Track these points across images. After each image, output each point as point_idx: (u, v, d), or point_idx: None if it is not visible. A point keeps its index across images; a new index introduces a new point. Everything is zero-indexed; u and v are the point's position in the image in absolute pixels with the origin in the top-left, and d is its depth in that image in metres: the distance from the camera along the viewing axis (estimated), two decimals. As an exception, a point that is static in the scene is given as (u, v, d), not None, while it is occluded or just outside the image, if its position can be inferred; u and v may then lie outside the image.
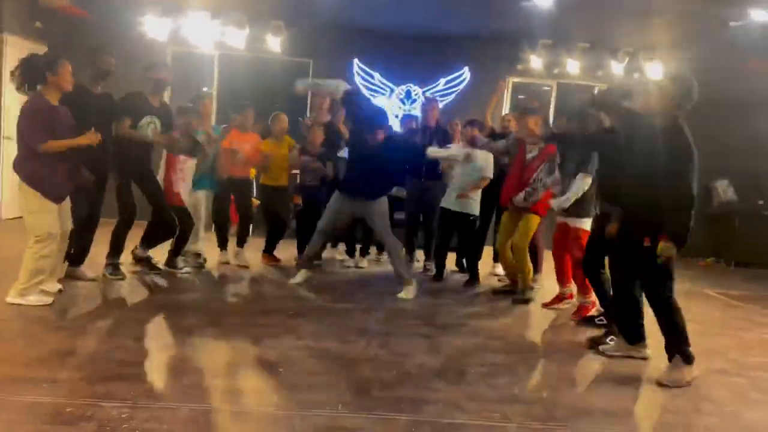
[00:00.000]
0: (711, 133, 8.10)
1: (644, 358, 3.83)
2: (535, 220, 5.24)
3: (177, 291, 4.86)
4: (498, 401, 3.03)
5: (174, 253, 5.42)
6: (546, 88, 9.32)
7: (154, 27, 8.19)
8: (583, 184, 4.60)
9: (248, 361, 3.38)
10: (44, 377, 2.85)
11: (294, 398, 2.87)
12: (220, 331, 3.84)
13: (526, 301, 5.27)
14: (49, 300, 4.05)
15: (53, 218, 4.05)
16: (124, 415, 2.53)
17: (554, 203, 4.75)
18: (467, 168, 5.66)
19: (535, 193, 5.10)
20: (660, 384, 3.44)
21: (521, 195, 5.16)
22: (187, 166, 5.42)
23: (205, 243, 5.82)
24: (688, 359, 3.48)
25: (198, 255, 5.75)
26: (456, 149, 5.60)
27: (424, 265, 6.48)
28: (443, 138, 6.24)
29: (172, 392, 2.87)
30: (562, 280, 5.13)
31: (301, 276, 5.37)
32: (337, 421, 2.65)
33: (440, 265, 6.11)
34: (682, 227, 3.32)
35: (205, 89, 8.81)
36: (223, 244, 6.09)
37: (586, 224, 4.63)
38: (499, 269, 6.49)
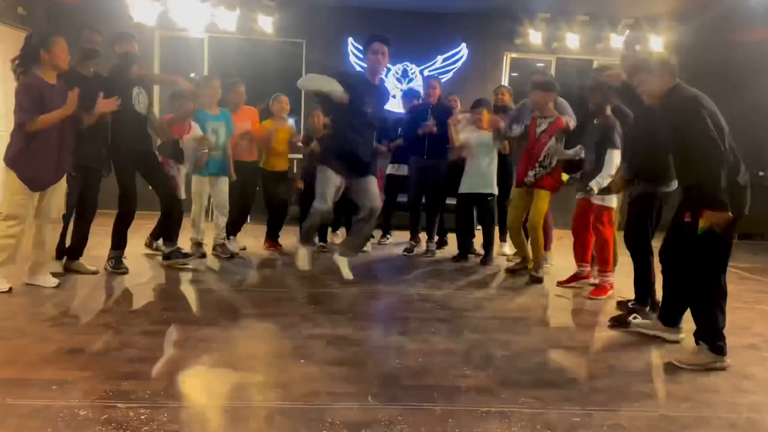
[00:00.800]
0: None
1: (676, 342, 3.65)
2: (546, 197, 5.09)
3: (183, 282, 4.68)
4: (531, 386, 2.89)
5: (158, 236, 5.34)
6: (540, 65, 9.13)
7: (141, 10, 7.91)
8: (615, 160, 4.44)
9: (267, 352, 3.22)
10: (52, 378, 2.68)
11: (320, 390, 2.71)
12: (233, 322, 3.68)
13: (540, 280, 5.14)
14: (4, 287, 3.94)
15: (27, 203, 3.96)
16: (143, 416, 2.37)
17: (594, 184, 4.53)
18: (478, 150, 5.64)
19: (542, 171, 4.97)
20: (675, 363, 3.29)
21: (531, 174, 5.04)
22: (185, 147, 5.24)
23: (204, 232, 5.63)
24: (719, 351, 3.28)
25: (199, 244, 5.57)
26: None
27: (427, 246, 6.31)
28: (446, 116, 6.05)
29: (191, 390, 2.71)
30: (581, 258, 4.99)
31: (305, 257, 4.75)
32: (369, 413, 2.50)
33: (464, 246, 6.04)
34: (710, 185, 3.11)
35: (200, 75, 8.58)
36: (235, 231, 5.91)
37: (610, 201, 4.49)
38: (506, 248, 6.38)
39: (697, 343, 3.39)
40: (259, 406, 2.56)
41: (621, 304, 4.41)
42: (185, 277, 4.84)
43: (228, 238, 5.74)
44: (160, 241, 5.41)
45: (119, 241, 4.84)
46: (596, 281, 4.85)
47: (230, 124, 5.58)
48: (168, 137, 5.17)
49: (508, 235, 6.36)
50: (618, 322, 4.01)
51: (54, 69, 3.97)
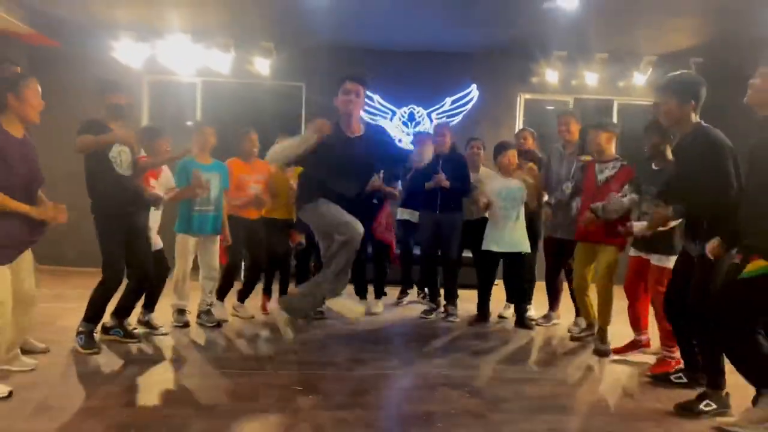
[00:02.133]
0: (741, 140, 7.42)
1: None
2: (613, 253, 4.40)
3: (154, 365, 3.91)
4: None
5: (146, 307, 4.59)
6: (549, 107, 8.53)
7: (128, 53, 7.39)
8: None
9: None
10: None
11: None
12: (212, 424, 2.89)
13: (606, 353, 4.40)
14: (4, 392, 3.13)
15: (2, 281, 3.14)
16: None
17: (637, 226, 3.90)
18: (502, 202, 5.10)
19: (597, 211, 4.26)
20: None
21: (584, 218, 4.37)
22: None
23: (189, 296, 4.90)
24: None
25: (182, 311, 4.84)
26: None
27: (446, 310, 5.55)
28: (458, 166, 5.40)
29: None
30: (637, 325, 4.27)
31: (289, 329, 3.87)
32: None
33: (484, 307, 5.39)
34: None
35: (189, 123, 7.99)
36: (222, 296, 5.19)
37: (669, 261, 3.78)
38: (533, 311, 5.63)
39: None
40: None
41: (658, 378, 3.80)
42: (158, 357, 4.07)
43: (215, 302, 5.05)
44: (153, 315, 4.68)
45: (94, 314, 4.07)
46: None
47: (225, 177, 4.96)
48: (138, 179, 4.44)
49: (533, 295, 5.70)
50: (686, 410, 3.26)
51: (21, 120, 3.27)
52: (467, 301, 5.53)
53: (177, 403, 3.20)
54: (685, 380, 3.63)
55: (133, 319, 4.51)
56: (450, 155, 5.48)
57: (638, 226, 3.90)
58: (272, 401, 3.24)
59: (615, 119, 7.98)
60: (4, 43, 7.14)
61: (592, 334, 4.74)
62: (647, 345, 4.30)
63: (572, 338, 4.88)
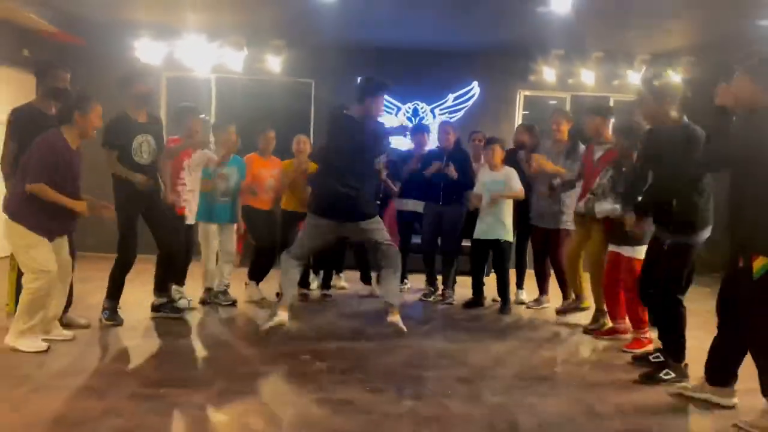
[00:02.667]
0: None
1: (730, 407, 3.23)
2: (601, 232, 4.70)
3: (179, 336, 4.37)
4: (564, 463, 2.54)
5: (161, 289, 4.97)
6: (551, 102, 8.91)
7: (148, 51, 7.83)
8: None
9: (267, 423, 2.88)
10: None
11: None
12: (231, 384, 3.34)
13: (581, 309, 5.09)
14: (43, 346, 3.69)
15: (48, 251, 3.69)
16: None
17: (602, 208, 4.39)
18: (487, 193, 5.45)
19: (594, 200, 4.57)
20: (740, 427, 2.95)
21: (581, 204, 4.75)
22: (192, 177, 5.04)
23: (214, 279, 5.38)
24: None
25: (210, 290, 5.34)
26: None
27: (444, 294, 5.98)
28: (462, 161, 5.80)
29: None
30: (615, 315, 4.65)
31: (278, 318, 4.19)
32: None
33: (478, 292, 5.77)
34: None
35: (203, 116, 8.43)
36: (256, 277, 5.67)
37: (640, 253, 4.16)
38: (524, 296, 6.05)
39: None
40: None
41: (638, 359, 4.11)
42: (181, 330, 4.53)
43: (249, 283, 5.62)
44: (182, 302, 5.08)
45: (115, 290, 4.55)
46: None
47: (242, 170, 5.40)
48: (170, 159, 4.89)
49: (524, 281, 6.13)
50: (648, 378, 3.68)
51: (80, 134, 3.80)
52: (466, 287, 5.92)
53: (201, 367, 3.65)
54: (662, 359, 3.88)
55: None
56: (454, 151, 5.89)
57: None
58: (283, 367, 3.70)
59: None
60: (33, 41, 7.61)
61: (577, 307, 5.16)
62: (625, 332, 4.61)
63: (557, 311, 5.36)
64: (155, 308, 4.81)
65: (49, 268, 3.67)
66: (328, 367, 3.72)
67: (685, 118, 3.77)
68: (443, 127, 6.11)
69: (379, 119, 4.65)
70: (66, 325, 4.24)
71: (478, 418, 2.99)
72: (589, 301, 5.09)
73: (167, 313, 4.76)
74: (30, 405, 2.91)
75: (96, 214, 4.00)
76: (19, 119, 4.16)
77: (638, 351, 4.21)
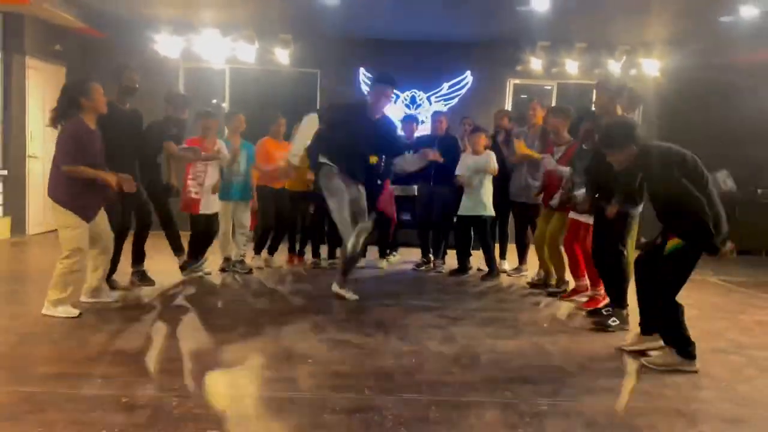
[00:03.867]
0: (709, 123, 8.43)
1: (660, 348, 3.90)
2: (564, 219, 5.38)
3: (205, 295, 5.17)
4: (509, 382, 3.31)
5: (187, 256, 5.74)
6: (547, 87, 9.60)
7: (166, 45, 8.55)
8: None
9: (280, 354, 3.66)
10: (97, 373, 3.16)
11: (324, 384, 3.16)
12: (253, 329, 4.14)
13: (555, 294, 5.57)
14: (76, 312, 4.23)
15: (83, 234, 4.26)
16: (174, 402, 2.83)
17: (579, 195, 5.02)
18: (472, 174, 6.18)
19: (568, 194, 5.16)
20: (644, 366, 3.67)
21: (556, 198, 5.36)
22: (203, 171, 5.71)
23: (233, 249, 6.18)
24: (688, 355, 3.62)
25: (228, 260, 6.13)
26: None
27: (434, 263, 6.77)
28: (452, 147, 6.51)
29: (214, 383, 3.17)
30: (576, 274, 5.38)
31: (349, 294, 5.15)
32: (365, 402, 2.94)
33: (463, 262, 6.52)
34: (703, 235, 3.51)
35: (218, 103, 9.18)
36: (259, 250, 6.46)
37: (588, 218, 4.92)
38: (506, 265, 6.80)
39: (666, 343, 3.77)
40: (271, 396, 3.01)
41: (592, 312, 4.84)
42: (206, 291, 5.33)
43: (254, 255, 6.38)
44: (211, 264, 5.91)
45: (136, 257, 5.30)
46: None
47: (252, 154, 6.13)
48: (189, 159, 5.61)
49: (507, 252, 6.89)
50: (599, 325, 4.48)
51: (94, 114, 4.31)
52: (454, 258, 6.68)
53: (225, 318, 4.44)
54: (611, 312, 4.63)
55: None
56: (445, 137, 6.61)
57: (580, 195, 5.01)
58: (294, 317, 4.49)
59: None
60: (63, 36, 8.33)
61: (546, 283, 5.87)
62: (585, 290, 5.36)
63: (529, 284, 6.06)
64: (134, 274, 5.38)
65: (82, 247, 4.25)
66: (330, 318, 4.52)
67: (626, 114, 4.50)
68: (436, 115, 6.85)
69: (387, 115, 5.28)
70: (111, 288, 5.02)
71: (447, 354, 3.76)
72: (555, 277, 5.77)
73: (139, 280, 5.34)
74: (94, 342, 3.70)
75: (121, 185, 4.42)
76: (100, 117, 4.68)
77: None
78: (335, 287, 5.18)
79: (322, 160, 5.01)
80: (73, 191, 4.21)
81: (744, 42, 7.76)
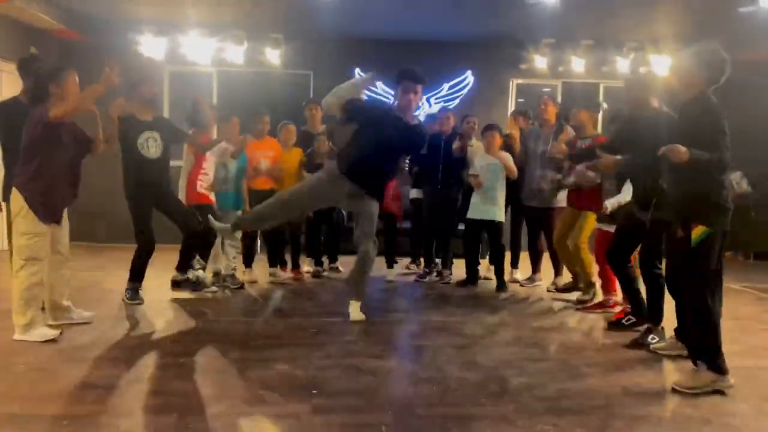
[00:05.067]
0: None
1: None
2: (591, 218, 5.04)
3: (195, 315, 4.65)
4: (547, 413, 2.83)
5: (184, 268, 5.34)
6: (545, 89, 9.17)
7: (150, 46, 8.07)
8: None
9: (279, 384, 3.16)
10: (63, 413, 2.65)
11: (334, 422, 2.67)
12: (247, 353, 3.64)
13: (585, 302, 5.18)
14: (54, 334, 3.78)
15: (42, 241, 3.79)
16: (154, 451, 2.33)
17: (609, 203, 4.63)
18: (487, 175, 5.72)
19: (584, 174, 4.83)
20: (674, 390, 3.19)
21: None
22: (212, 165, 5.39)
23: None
24: (719, 370, 3.18)
25: (218, 275, 5.64)
26: None
27: (442, 274, 6.29)
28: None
29: (203, 424, 2.66)
30: (607, 288, 4.97)
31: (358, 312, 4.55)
32: (383, 445, 2.46)
33: (472, 272, 6.05)
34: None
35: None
36: (249, 263, 6.02)
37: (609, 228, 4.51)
38: (518, 275, 6.34)
39: (695, 363, 3.31)
40: (272, 439, 2.52)
41: (613, 324, 4.46)
42: (197, 308, 4.81)
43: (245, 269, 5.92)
44: (200, 272, 5.41)
45: (136, 274, 4.86)
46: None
47: (244, 159, 5.65)
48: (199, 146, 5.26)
49: (519, 260, 6.42)
50: (638, 343, 3.99)
51: (63, 103, 3.81)
52: (460, 268, 6.21)
53: (218, 339, 3.93)
54: (634, 320, 4.33)
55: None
56: (452, 135, 6.16)
57: (610, 203, 4.61)
58: (293, 339, 3.99)
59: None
60: (38, 37, 7.84)
61: (576, 286, 5.44)
62: (614, 306, 4.92)
63: (557, 289, 5.67)
64: (175, 283, 5.20)
65: (38, 257, 3.75)
66: (333, 338, 4.01)
67: (664, 107, 4.05)
68: (443, 112, 6.44)
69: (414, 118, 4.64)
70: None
71: (471, 380, 3.28)
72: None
73: (187, 289, 5.14)
74: (63, 374, 3.19)
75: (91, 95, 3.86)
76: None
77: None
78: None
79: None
80: (35, 185, 3.74)
81: (760, 37, 7.39)
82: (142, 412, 2.72)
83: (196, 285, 5.24)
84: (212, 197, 5.40)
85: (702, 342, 3.25)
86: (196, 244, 5.16)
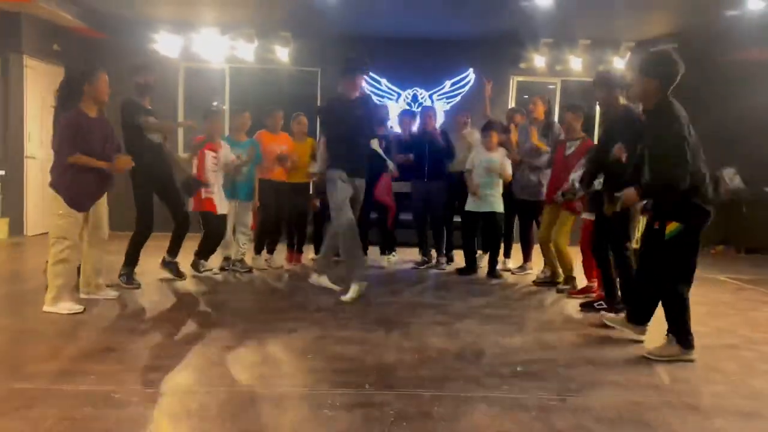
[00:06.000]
0: (715, 121, 8.31)
1: (641, 340, 3.93)
2: (569, 219, 5.38)
3: (205, 293, 5.08)
4: (514, 376, 3.20)
5: (198, 254, 5.73)
6: (550, 86, 9.49)
7: (166, 44, 8.48)
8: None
9: (279, 350, 3.57)
10: (91, 370, 3.06)
11: (324, 379, 3.06)
12: (251, 326, 4.04)
13: (564, 291, 5.50)
14: (79, 308, 4.17)
15: (73, 224, 4.18)
16: (169, 399, 2.73)
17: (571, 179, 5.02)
18: (484, 172, 6.04)
19: (573, 191, 5.09)
20: (646, 357, 3.61)
21: (559, 194, 5.28)
22: (214, 172, 5.61)
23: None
24: (687, 344, 3.58)
25: (228, 259, 6.03)
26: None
27: (437, 260, 6.67)
28: (442, 138, 6.48)
29: (208, 377, 3.07)
30: (590, 275, 5.29)
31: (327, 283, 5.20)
32: (365, 398, 2.84)
33: (470, 261, 6.37)
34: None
35: (215, 103, 9.11)
36: (259, 250, 6.36)
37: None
38: (510, 264, 6.69)
39: (667, 334, 3.68)
40: (270, 392, 2.90)
41: (585, 306, 4.84)
42: (207, 289, 5.23)
43: (253, 255, 6.29)
44: (212, 262, 5.82)
45: (132, 258, 5.15)
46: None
47: (257, 152, 5.99)
48: (193, 154, 5.58)
49: (512, 250, 6.77)
50: (588, 306, 4.63)
51: (95, 103, 4.25)
52: (460, 257, 6.59)
53: (227, 314, 4.34)
54: (605, 307, 4.68)
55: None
56: (435, 131, 6.54)
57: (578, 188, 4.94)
58: (295, 315, 4.39)
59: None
60: (62, 36, 8.27)
61: (553, 281, 5.77)
62: (596, 291, 5.21)
63: (535, 283, 5.94)
64: (164, 263, 5.48)
65: (67, 237, 4.13)
66: (330, 314, 4.41)
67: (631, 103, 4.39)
68: (426, 110, 6.80)
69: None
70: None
71: (450, 350, 3.66)
72: (562, 275, 5.67)
73: (171, 273, 5.45)
74: (87, 339, 3.61)
75: (120, 167, 4.35)
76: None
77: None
78: (314, 277, 5.23)
79: (330, 164, 5.03)
80: (65, 179, 4.15)
81: (750, 37, 7.66)
82: (156, 370, 3.13)
83: (180, 273, 5.52)
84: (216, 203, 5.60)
85: (674, 322, 3.62)
86: (184, 231, 5.43)
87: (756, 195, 8.94)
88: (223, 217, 5.72)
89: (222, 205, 5.67)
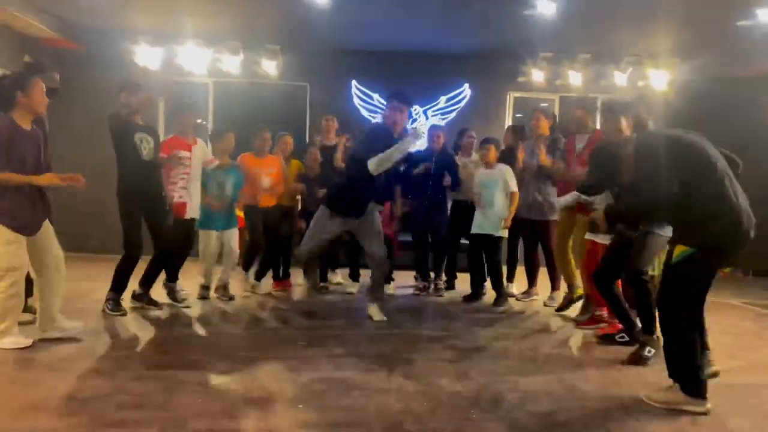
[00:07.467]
0: (723, 141, 7.98)
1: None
2: (585, 224, 4.89)
3: (181, 325, 4.55)
4: (544, 430, 2.73)
5: (169, 278, 5.24)
6: (543, 105, 9.11)
7: (146, 56, 8.01)
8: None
9: (266, 398, 3.06)
10: (38, 427, 2.54)
11: (319, 438, 2.57)
12: (232, 366, 3.53)
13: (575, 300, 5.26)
14: (27, 342, 3.69)
15: (18, 251, 3.65)
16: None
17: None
18: (486, 189, 5.65)
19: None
20: (644, 399, 3.15)
21: (565, 198, 4.90)
22: (186, 174, 5.11)
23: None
24: (693, 393, 3.04)
25: (206, 288, 5.54)
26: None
27: (435, 285, 6.21)
28: (449, 163, 6.06)
29: (181, 437, 2.56)
30: (596, 302, 4.84)
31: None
32: (370, 462, 2.35)
33: (477, 286, 5.94)
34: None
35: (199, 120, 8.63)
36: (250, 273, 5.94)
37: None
38: (513, 289, 6.24)
39: (670, 378, 3.17)
40: (254, 455, 2.41)
41: (604, 339, 4.40)
42: (183, 320, 4.71)
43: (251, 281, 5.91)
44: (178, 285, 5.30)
45: (118, 284, 4.77)
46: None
47: (240, 178, 5.54)
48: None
49: (515, 274, 6.32)
50: (635, 357, 3.89)
51: (29, 113, 3.74)
52: (466, 282, 6.10)
53: (203, 351, 3.83)
54: (627, 339, 4.21)
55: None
56: (442, 153, 6.09)
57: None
58: (282, 351, 3.88)
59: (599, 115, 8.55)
60: (34, 47, 7.78)
61: (571, 299, 5.34)
62: (607, 320, 4.74)
63: (557, 309, 5.47)
64: (135, 296, 4.99)
65: (17, 266, 3.65)
66: (324, 351, 3.90)
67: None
68: (434, 130, 6.30)
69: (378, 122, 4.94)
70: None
71: (464, 394, 3.17)
72: (581, 289, 5.23)
73: (145, 304, 4.97)
74: (42, 385, 3.09)
75: (67, 183, 3.77)
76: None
77: (614, 334, 4.40)
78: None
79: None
80: (3, 202, 3.60)
81: (761, 51, 7.36)
82: (118, 426, 2.61)
83: (154, 302, 5.05)
84: (187, 207, 5.12)
85: (676, 364, 3.11)
86: (164, 262, 5.03)
87: (762, 217, 8.60)
88: (192, 222, 5.22)
89: (193, 210, 5.17)
